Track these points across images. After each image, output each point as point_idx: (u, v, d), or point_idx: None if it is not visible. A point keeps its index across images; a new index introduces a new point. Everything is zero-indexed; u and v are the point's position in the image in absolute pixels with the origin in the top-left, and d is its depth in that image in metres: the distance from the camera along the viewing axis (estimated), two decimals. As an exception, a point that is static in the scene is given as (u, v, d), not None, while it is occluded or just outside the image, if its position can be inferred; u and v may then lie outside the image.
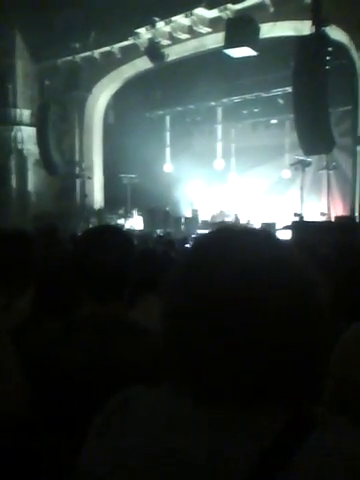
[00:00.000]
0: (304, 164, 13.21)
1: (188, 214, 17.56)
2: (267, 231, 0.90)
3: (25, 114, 20.27)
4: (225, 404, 0.78)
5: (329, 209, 13.35)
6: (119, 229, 2.00)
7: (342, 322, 2.12)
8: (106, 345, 1.54)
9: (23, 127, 20.15)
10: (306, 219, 12.68)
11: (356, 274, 2.59)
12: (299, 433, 0.76)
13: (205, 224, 15.76)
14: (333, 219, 12.79)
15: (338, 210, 14.43)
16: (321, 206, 14.50)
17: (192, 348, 0.79)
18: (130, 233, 2.07)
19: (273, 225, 13.49)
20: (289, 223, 12.25)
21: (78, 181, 19.55)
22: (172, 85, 16.26)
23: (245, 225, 14.99)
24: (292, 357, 0.77)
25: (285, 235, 11.77)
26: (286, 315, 0.76)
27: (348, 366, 1.51)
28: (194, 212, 17.34)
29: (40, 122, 18.80)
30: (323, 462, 0.72)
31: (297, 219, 12.57)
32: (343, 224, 11.51)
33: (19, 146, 20.26)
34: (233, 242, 0.82)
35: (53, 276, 2.22)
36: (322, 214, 13.60)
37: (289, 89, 13.41)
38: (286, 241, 0.90)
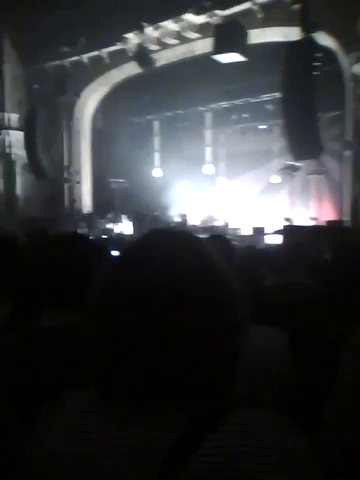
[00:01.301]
0: (293, 169, 13.31)
1: (177, 219, 17.54)
2: (190, 234, 0.95)
3: (13, 118, 20.11)
4: (136, 401, 0.82)
5: (318, 214, 13.42)
6: (82, 236, 1.96)
7: (336, 322, 2.13)
8: (64, 358, 1.50)
9: (11, 131, 19.98)
10: (296, 224, 12.75)
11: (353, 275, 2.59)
12: (204, 425, 0.80)
13: (194, 229, 15.74)
14: (323, 223, 12.86)
15: (327, 215, 14.51)
16: (310, 211, 14.58)
17: (106, 347, 0.83)
18: (97, 241, 2.00)
19: (262, 230, 13.53)
20: (280, 228, 12.30)
21: (67, 186, 19.45)
22: (161, 90, 16.26)
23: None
24: (202, 355, 0.81)
25: (276, 239, 11.85)
26: (200, 314, 0.80)
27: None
28: (183, 217, 17.32)
29: (28, 126, 18.69)
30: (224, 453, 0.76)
31: (287, 224, 12.64)
32: (334, 228, 11.58)
33: (7, 150, 20.09)
34: (156, 244, 0.88)
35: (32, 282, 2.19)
36: (311, 219, 13.67)
37: (278, 94, 13.48)
38: (207, 243, 0.94)
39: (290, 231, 11.73)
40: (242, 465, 0.74)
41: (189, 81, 15.11)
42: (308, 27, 12.08)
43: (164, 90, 16.12)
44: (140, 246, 0.90)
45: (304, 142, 11.95)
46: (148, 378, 0.80)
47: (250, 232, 14.02)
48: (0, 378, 1.54)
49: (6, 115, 20.04)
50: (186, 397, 0.81)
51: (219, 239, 4.16)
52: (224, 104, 17.23)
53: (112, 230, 17.28)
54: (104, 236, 14.91)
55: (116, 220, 17.72)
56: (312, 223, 13.34)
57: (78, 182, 19.07)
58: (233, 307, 0.85)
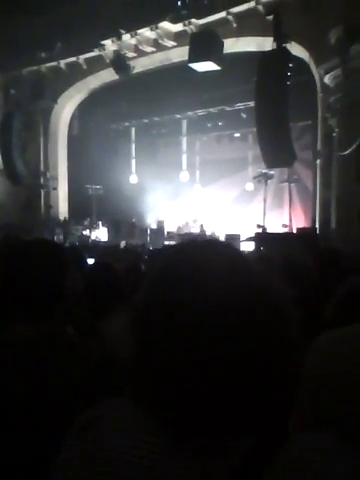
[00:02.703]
0: (267, 177, 13.44)
1: (154, 225, 17.59)
2: (230, 244, 0.90)
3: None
4: (195, 432, 0.76)
5: (291, 221, 13.59)
6: (49, 242, 1.88)
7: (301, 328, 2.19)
8: (36, 370, 1.46)
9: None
10: (269, 231, 12.89)
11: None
12: (267, 451, 0.78)
13: (171, 235, 15.82)
14: (295, 230, 13.03)
15: (299, 222, 14.72)
16: (283, 218, 14.76)
17: (162, 368, 0.76)
18: (61, 246, 1.99)
19: (237, 236, 13.64)
20: (252, 235, 12.42)
21: (43, 191, 19.35)
22: (138, 97, 16.35)
23: (210, 237, 15.15)
24: (262, 380, 0.74)
25: (248, 246, 11.96)
26: (255, 331, 0.74)
27: (323, 371, 1.48)
28: (160, 223, 17.39)
29: (4, 131, 18.57)
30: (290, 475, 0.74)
31: (260, 231, 12.76)
32: (304, 235, 11.75)
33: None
34: (200, 256, 0.81)
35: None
36: (284, 226, 13.82)
37: (252, 103, 13.65)
38: (249, 255, 0.90)
39: (261, 238, 11.86)
40: None
41: (166, 89, 15.22)
42: (281, 38, 12.31)
43: (141, 97, 16.21)
44: (182, 258, 0.83)
45: (277, 150, 12.13)
46: (208, 410, 0.74)
47: (224, 239, 14.14)
48: None
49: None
50: (247, 427, 0.77)
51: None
52: (200, 112, 17.40)
53: (88, 237, 17.25)
54: (77, 243, 14.87)
55: (92, 226, 17.69)
56: (285, 230, 13.50)
57: (54, 188, 19.00)
58: (289, 328, 0.79)
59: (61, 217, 18.99)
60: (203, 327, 0.73)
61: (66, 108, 19.24)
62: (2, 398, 1.45)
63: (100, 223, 17.86)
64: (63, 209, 19.45)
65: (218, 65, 13.23)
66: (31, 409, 1.41)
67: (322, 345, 1.54)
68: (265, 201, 13.38)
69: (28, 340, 1.51)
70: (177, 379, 0.74)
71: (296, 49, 12.66)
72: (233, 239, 13.57)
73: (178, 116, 18.03)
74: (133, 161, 19.91)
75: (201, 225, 16.55)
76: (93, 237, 17.08)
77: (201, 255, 0.82)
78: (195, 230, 16.34)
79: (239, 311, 0.74)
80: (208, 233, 16.06)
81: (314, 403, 1.47)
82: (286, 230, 13.56)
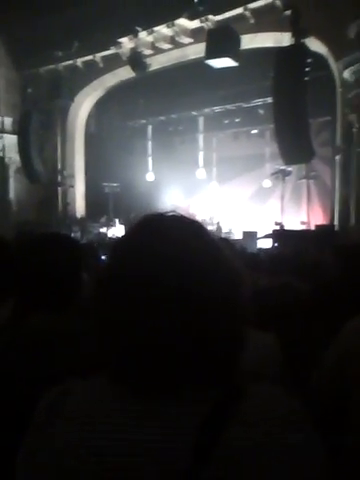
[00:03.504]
0: (284, 174, 13.36)
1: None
2: (196, 222, 0.92)
3: (7, 122, 20.08)
4: (157, 390, 0.82)
5: (309, 218, 13.47)
6: (65, 237, 1.92)
7: (320, 322, 2.17)
8: (43, 359, 1.49)
9: (5, 135, 19.94)
10: (286, 228, 12.80)
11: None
12: (231, 402, 0.82)
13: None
14: (313, 228, 12.92)
15: (318, 219, 14.57)
16: (301, 215, 14.64)
17: (123, 337, 0.82)
18: (77, 241, 1.99)
19: (255, 234, 13.57)
20: (269, 232, 12.35)
21: (60, 189, 19.45)
22: (154, 94, 16.34)
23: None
24: (216, 343, 0.82)
25: (267, 244, 11.89)
26: (212, 301, 0.81)
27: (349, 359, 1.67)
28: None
29: (22, 130, 18.69)
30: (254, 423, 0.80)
31: (278, 228, 12.68)
32: (323, 232, 11.64)
33: (1, 154, 20.06)
34: (158, 231, 0.86)
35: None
36: (302, 223, 13.72)
37: (270, 99, 13.54)
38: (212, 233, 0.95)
39: (279, 235, 11.78)
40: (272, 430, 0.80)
41: (182, 86, 15.19)
42: (299, 33, 12.17)
43: (157, 95, 16.21)
44: (141, 233, 0.89)
45: (295, 147, 12.01)
46: (165, 365, 0.80)
47: (241, 236, 14.07)
48: None
49: (0, 119, 20.03)
50: (201, 381, 0.83)
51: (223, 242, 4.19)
52: (217, 109, 17.32)
53: (105, 234, 17.29)
54: (94, 241, 14.91)
55: (109, 224, 17.73)
56: (302, 227, 13.39)
57: (72, 186, 19.08)
58: (240, 287, 0.86)
59: (78, 215, 19.08)
60: (157, 295, 0.79)
61: (83, 106, 19.30)
62: (9, 382, 1.49)
63: (117, 221, 17.88)
64: (80, 207, 19.54)
65: (235, 61, 13.14)
66: (32, 395, 1.44)
67: (352, 326, 1.72)
68: (283, 198, 13.30)
69: (40, 331, 1.54)
70: (139, 342, 0.80)
71: (314, 44, 12.53)
72: (250, 236, 13.51)
73: (195, 113, 17.98)
74: (150, 159, 19.89)
75: (218, 222, 16.47)
76: (110, 235, 17.10)
77: (156, 226, 0.87)
78: (212, 228, 16.29)
79: (192, 276, 0.80)
80: (225, 230, 15.99)
81: (341, 376, 1.67)
82: (304, 227, 13.46)
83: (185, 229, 0.88)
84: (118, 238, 0.94)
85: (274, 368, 1.83)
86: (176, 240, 0.84)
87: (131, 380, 0.83)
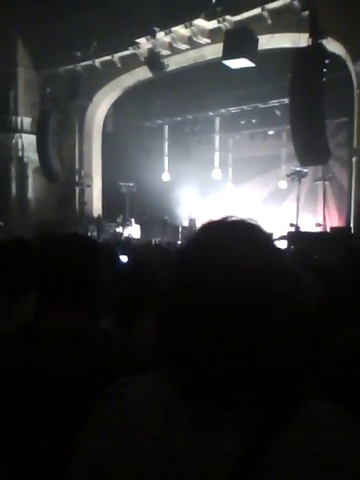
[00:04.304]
0: (300, 175, 13.26)
1: (186, 223, 17.59)
2: (257, 226, 0.92)
3: (26, 121, 20.34)
4: (209, 398, 0.81)
5: (325, 220, 13.35)
6: (84, 237, 1.97)
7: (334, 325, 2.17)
8: (60, 355, 1.54)
9: (24, 134, 20.21)
10: (302, 230, 12.71)
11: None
12: (277, 424, 0.80)
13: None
14: (328, 230, 12.81)
15: (333, 221, 14.44)
16: (317, 217, 14.52)
17: (184, 342, 0.81)
18: (95, 241, 2.04)
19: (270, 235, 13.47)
20: (284, 234, 12.26)
21: (77, 189, 19.61)
22: (171, 95, 16.37)
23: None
24: (279, 353, 0.79)
25: (281, 245, 11.79)
26: (275, 309, 0.79)
27: None
28: (191, 221, 17.37)
29: (41, 129, 18.91)
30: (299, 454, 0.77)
31: (293, 230, 12.60)
32: (338, 234, 11.54)
33: (19, 153, 20.32)
34: (220, 235, 0.87)
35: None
36: (317, 225, 13.60)
37: (286, 100, 13.48)
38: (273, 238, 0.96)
39: (294, 237, 11.70)
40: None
41: (199, 86, 15.22)
42: (316, 34, 12.10)
43: (174, 95, 16.23)
44: (205, 240, 0.88)
45: (312, 148, 11.94)
46: (224, 373, 0.79)
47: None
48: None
49: (19, 118, 20.28)
50: (262, 393, 0.81)
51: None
52: (233, 109, 17.27)
53: (121, 233, 17.38)
54: (110, 240, 15.00)
55: (125, 223, 17.82)
56: (318, 229, 13.28)
57: (89, 185, 19.23)
58: (306, 305, 0.85)
59: (95, 214, 19.21)
60: (221, 302, 0.79)
61: (101, 106, 19.43)
62: (29, 377, 1.54)
63: (133, 220, 17.96)
64: (97, 206, 19.68)
65: (252, 62, 13.10)
66: (51, 391, 1.50)
67: None
68: (298, 200, 13.21)
69: (58, 328, 1.60)
70: (201, 348, 0.80)
71: (332, 45, 12.43)
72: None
73: (211, 114, 17.95)
74: (166, 159, 19.91)
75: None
76: (126, 234, 17.18)
77: (220, 234, 0.87)
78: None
79: (254, 285, 0.79)
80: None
81: None
82: (320, 229, 13.34)
83: (247, 234, 0.88)
84: (182, 246, 0.94)
85: None
86: (239, 246, 0.84)
87: (189, 385, 0.82)
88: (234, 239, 0.86)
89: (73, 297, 1.65)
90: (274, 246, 0.89)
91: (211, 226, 0.91)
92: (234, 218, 0.92)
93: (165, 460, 0.80)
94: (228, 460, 0.78)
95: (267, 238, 0.90)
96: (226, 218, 0.92)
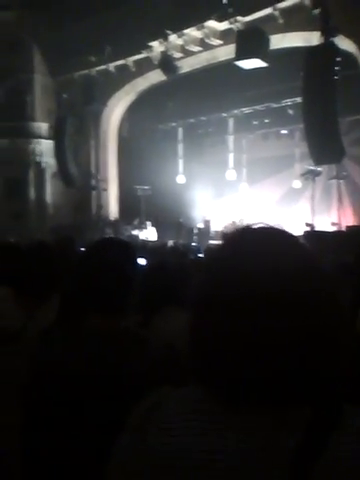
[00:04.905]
0: (314, 174, 13.18)
1: (200, 225, 17.59)
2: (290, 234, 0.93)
3: (43, 127, 20.57)
4: (255, 405, 0.80)
5: (340, 219, 13.22)
6: (121, 242, 2.00)
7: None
8: (105, 356, 1.55)
9: (41, 140, 20.44)
10: (317, 229, 12.60)
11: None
12: (327, 423, 0.80)
13: (217, 235, 15.75)
14: (344, 229, 12.67)
15: (349, 220, 14.27)
16: (332, 216, 14.38)
17: (223, 348, 0.81)
18: (132, 246, 2.09)
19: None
20: (300, 233, 12.17)
21: (94, 193, 19.76)
22: (184, 97, 16.41)
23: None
24: (320, 355, 0.79)
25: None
26: (316, 313, 0.79)
27: None
28: (206, 223, 17.36)
29: (58, 135, 19.13)
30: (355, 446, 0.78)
31: (308, 229, 12.50)
32: (354, 234, 11.39)
33: (37, 159, 20.54)
34: (263, 244, 0.86)
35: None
36: (333, 224, 13.47)
37: (299, 99, 13.41)
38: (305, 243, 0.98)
39: (310, 236, 11.60)
40: None
41: (211, 87, 15.22)
42: (328, 32, 12.03)
43: (187, 97, 16.26)
44: (235, 246, 0.89)
45: (325, 146, 11.85)
46: (268, 378, 0.78)
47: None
48: (47, 372, 1.61)
49: (36, 124, 20.54)
50: (307, 397, 0.80)
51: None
52: (246, 110, 17.22)
53: (137, 236, 17.45)
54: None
55: (141, 226, 17.88)
56: (334, 228, 13.15)
57: (105, 189, 19.36)
58: (344, 307, 0.86)
59: (111, 217, 19.32)
60: (257, 312, 0.78)
61: (116, 110, 19.56)
62: (79, 380, 1.53)
63: (148, 223, 18.01)
64: (113, 209, 19.81)
65: (265, 62, 13.08)
66: (105, 392, 1.50)
67: None
68: (313, 199, 13.11)
69: (104, 331, 1.62)
70: (237, 357, 0.79)
71: (344, 42, 12.35)
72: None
73: (224, 115, 17.92)
74: (180, 161, 19.91)
75: (247, 224, 16.30)
76: (142, 237, 17.24)
77: (252, 238, 0.88)
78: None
79: (291, 297, 0.79)
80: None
81: None
82: (335, 228, 13.21)
83: (278, 239, 0.89)
84: (212, 253, 0.97)
85: None
86: (270, 250, 0.84)
87: (228, 393, 0.81)
88: (266, 241, 0.87)
89: (114, 300, 1.67)
90: (305, 248, 0.89)
91: (242, 231, 0.92)
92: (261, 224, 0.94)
93: (215, 466, 0.79)
94: (286, 456, 0.77)
95: (297, 241, 0.90)
96: (254, 224, 0.93)
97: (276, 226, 0.93)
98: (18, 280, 2.48)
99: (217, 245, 0.96)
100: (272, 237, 0.89)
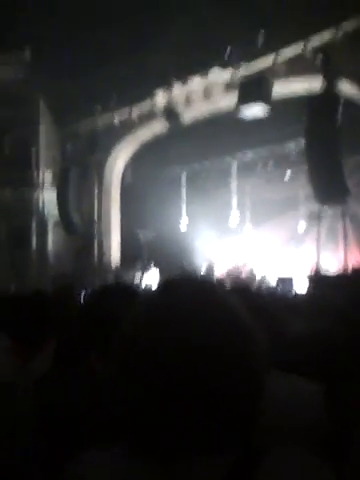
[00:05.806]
0: (319, 215, 13.14)
1: (204, 269, 17.38)
2: (210, 284, 0.95)
3: (47, 176, 20.77)
4: (173, 458, 0.81)
5: (346, 260, 13.05)
6: (124, 287, 2.07)
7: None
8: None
9: (45, 189, 20.59)
10: (323, 272, 12.41)
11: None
12: (249, 468, 0.80)
13: (220, 279, 15.52)
14: (350, 271, 12.47)
15: (356, 258, 14.08)
16: (338, 257, 14.20)
17: (138, 408, 0.82)
18: (136, 290, 2.21)
19: (290, 280, 13.16)
20: (306, 277, 11.97)
21: (96, 240, 19.70)
22: (187, 141, 16.62)
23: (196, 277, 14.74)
24: (229, 402, 0.81)
25: (303, 289, 11.48)
26: (231, 366, 0.82)
27: None
28: (209, 268, 17.17)
29: (61, 185, 19.20)
30: None
31: (314, 272, 12.33)
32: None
33: (40, 208, 20.62)
34: (178, 297, 0.89)
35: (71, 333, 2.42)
36: (339, 266, 13.29)
37: (302, 140, 13.54)
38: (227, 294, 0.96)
39: (316, 280, 11.39)
40: None
41: (215, 131, 15.43)
42: (330, 78, 12.33)
43: (190, 141, 16.47)
44: (161, 298, 0.91)
45: (329, 187, 11.90)
46: (179, 432, 0.80)
47: (276, 283, 13.66)
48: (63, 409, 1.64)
49: (40, 174, 20.74)
50: (216, 447, 0.82)
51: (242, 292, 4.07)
52: (249, 153, 17.44)
53: (140, 282, 17.20)
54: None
55: (144, 271, 17.66)
56: (339, 270, 12.95)
57: (107, 237, 19.36)
58: (253, 356, 0.86)
59: (113, 264, 19.15)
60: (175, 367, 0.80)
61: (119, 160, 19.80)
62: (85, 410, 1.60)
63: (151, 268, 17.79)
64: (115, 256, 19.64)
65: (268, 105, 13.31)
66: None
67: None
68: (318, 240, 13.00)
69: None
70: (152, 408, 0.80)
71: (348, 86, 12.59)
72: (285, 283, 13.12)
73: (228, 158, 18.11)
74: (184, 205, 19.91)
75: (251, 269, 16.14)
76: (145, 280, 17.03)
77: (174, 293, 0.90)
78: (245, 274, 15.99)
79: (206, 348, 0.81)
80: (258, 277, 15.62)
81: None
82: (341, 271, 13.01)
83: (202, 295, 0.90)
84: (139, 302, 0.98)
85: (310, 415, 1.67)
86: (189, 306, 0.86)
87: (145, 448, 0.82)
88: (185, 300, 0.87)
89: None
90: (229, 303, 0.90)
91: (171, 284, 0.95)
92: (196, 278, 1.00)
93: None
94: None
95: (225, 299, 0.91)
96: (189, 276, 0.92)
97: (205, 282, 0.96)
98: (13, 328, 2.60)
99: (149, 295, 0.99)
100: (191, 294, 0.89)
